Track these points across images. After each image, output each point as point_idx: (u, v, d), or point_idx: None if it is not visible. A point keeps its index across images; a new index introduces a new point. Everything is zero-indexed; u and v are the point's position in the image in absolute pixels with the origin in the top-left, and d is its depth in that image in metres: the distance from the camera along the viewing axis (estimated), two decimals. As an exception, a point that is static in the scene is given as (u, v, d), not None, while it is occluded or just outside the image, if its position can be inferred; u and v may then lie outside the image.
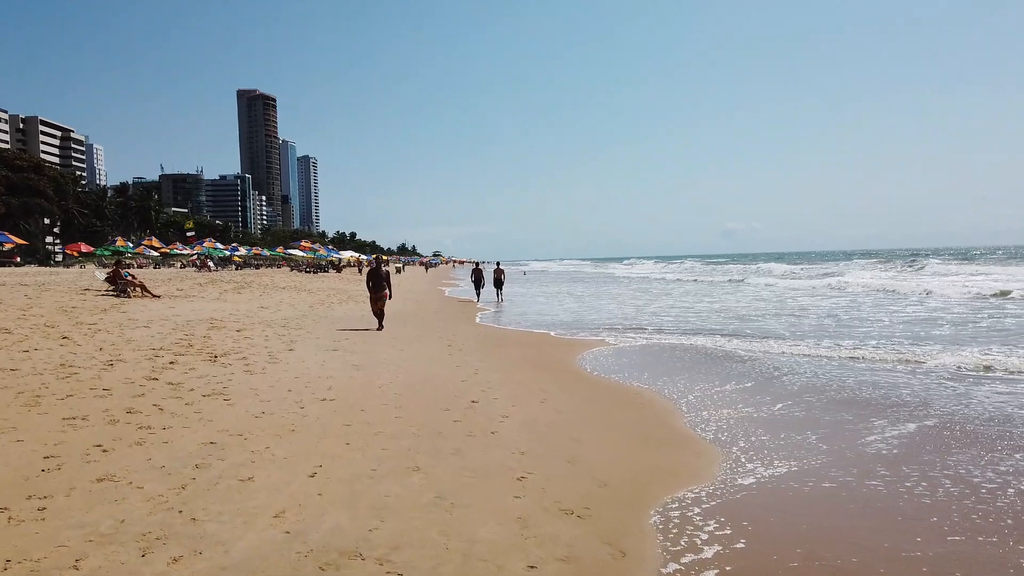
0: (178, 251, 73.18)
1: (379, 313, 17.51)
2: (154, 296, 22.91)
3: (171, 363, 10.50)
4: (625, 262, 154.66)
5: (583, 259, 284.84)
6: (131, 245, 66.20)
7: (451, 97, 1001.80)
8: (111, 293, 22.87)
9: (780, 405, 9.14)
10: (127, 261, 34.27)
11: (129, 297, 22.29)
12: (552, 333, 18.16)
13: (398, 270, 78.56)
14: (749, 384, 10.61)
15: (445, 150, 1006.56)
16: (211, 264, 55.02)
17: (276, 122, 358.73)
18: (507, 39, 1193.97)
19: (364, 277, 17.94)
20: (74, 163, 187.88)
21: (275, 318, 19.06)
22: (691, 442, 7.44)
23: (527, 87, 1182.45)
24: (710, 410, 8.94)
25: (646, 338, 16.75)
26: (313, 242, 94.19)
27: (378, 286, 17.45)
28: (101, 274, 26.35)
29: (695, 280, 53.40)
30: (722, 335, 16.94)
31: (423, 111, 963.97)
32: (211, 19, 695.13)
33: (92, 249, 63.72)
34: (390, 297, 17.72)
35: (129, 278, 23.40)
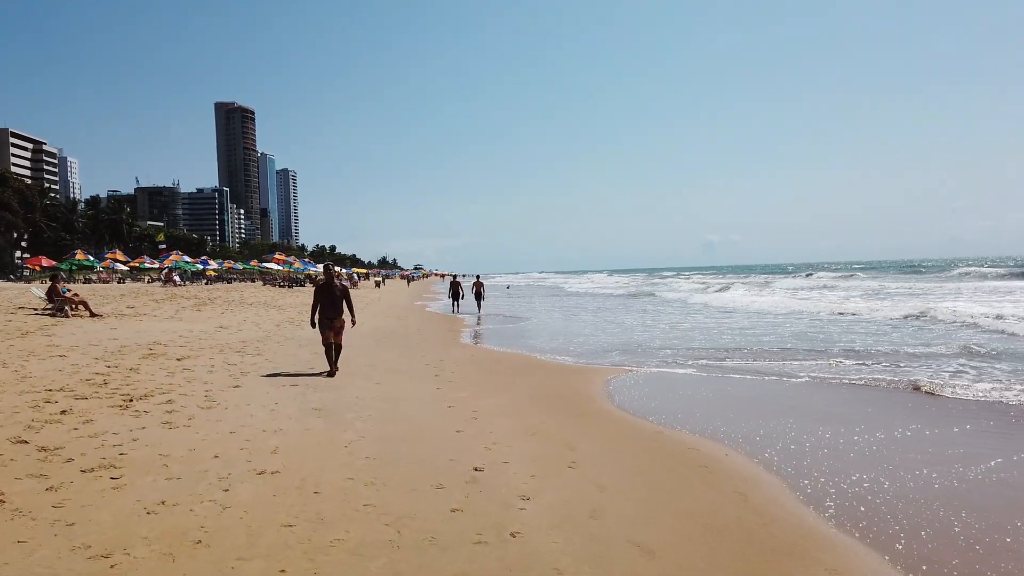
0: (148, 264, 69.77)
1: (334, 350, 11.83)
2: (96, 315, 20.08)
3: (63, 413, 7.77)
4: (586, 275, 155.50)
5: (561, 272, 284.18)
6: (92, 258, 62.72)
7: (431, 110, 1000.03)
8: (47, 312, 20.01)
9: (998, 459, 6.67)
10: (63, 277, 31.28)
11: (67, 316, 19.45)
12: (556, 357, 15.56)
13: (377, 284, 75.58)
14: (882, 435, 8.07)
15: (426, 162, 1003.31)
16: (176, 278, 51.89)
17: (254, 135, 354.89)
18: (486, 50, 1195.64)
19: (312, 297, 12.00)
20: (46, 176, 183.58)
21: (232, 340, 16.33)
22: (820, 547, 4.87)
23: (506, 97, 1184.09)
24: (816, 476, 6.37)
25: (671, 363, 14.22)
26: (288, 255, 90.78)
27: (332, 308, 11.75)
28: (39, 290, 23.49)
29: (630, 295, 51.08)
30: (772, 359, 14.47)
31: (404, 124, 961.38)
32: (189, 32, 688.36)
33: (54, 263, 60.22)
34: (354, 323, 12.42)
35: (68, 294, 20.54)
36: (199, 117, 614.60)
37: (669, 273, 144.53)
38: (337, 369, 11.76)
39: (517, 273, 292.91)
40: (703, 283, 69.28)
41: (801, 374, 12.35)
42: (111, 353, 12.82)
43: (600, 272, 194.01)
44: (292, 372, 11.69)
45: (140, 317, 20.67)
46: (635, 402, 10.21)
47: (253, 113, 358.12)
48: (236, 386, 10.05)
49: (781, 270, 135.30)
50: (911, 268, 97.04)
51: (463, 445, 7.20)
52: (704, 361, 14.36)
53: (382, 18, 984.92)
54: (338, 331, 11.89)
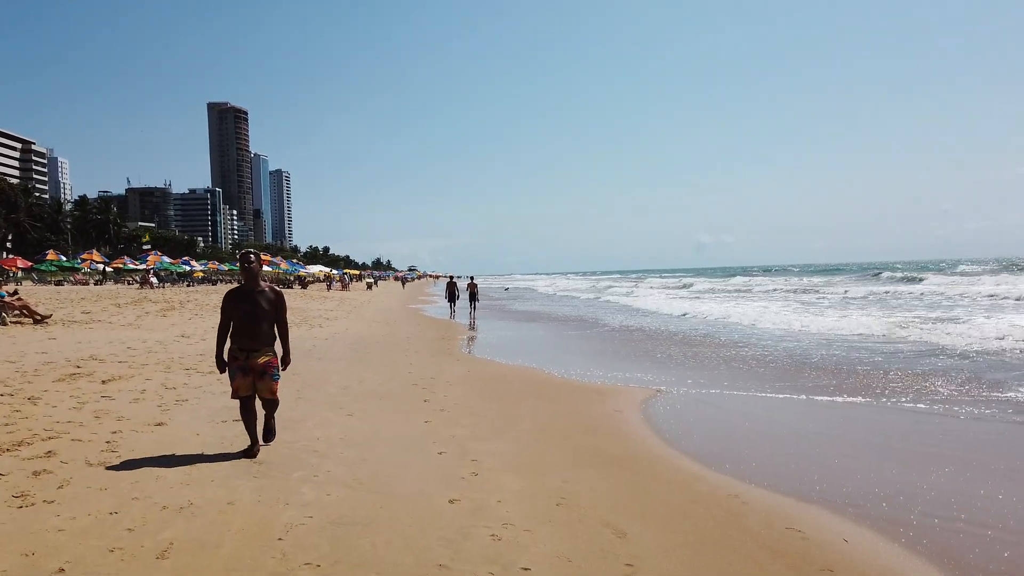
0: (131, 265, 67.14)
1: (250, 411, 6.53)
2: (42, 319, 17.65)
3: None
4: (564, 276, 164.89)
5: (553, 273, 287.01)
6: (64, 259, 60.13)
7: (425, 111, 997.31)
8: (-18, 319, 17.55)
9: None
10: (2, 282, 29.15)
11: (5, 324, 17.00)
12: (570, 374, 13.15)
13: (369, 285, 72.93)
14: None
15: (420, 163, 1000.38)
16: (153, 280, 49.31)
17: (248, 135, 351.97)
18: (480, 48, 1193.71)
19: (221, 312, 6.72)
20: (35, 176, 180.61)
21: (188, 353, 13.91)
22: None
23: (502, 98, 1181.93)
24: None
25: (707, 381, 11.84)
26: (275, 255, 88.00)
27: (251, 332, 6.46)
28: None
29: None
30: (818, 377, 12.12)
31: (398, 125, 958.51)
32: (182, 32, 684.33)
33: (30, 264, 57.59)
34: (287, 362, 6.79)
35: (7, 299, 18.08)
36: (192, 118, 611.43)
37: (634, 275, 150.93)
38: (260, 445, 6.65)
39: (507, 275, 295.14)
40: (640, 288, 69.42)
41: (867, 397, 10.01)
42: (22, 374, 10.39)
43: (577, 274, 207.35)
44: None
45: (92, 324, 18.21)
46: (684, 438, 7.83)
47: (246, 113, 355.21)
48: (160, 424, 7.63)
49: (744, 271, 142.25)
50: (860, 270, 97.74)
51: (458, 531, 4.80)
52: (729, 379, 12.01)
53: (376, 18, 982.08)
54: (261, 373, 6.45)
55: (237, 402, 6.65)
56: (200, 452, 6.53)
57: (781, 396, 10.46)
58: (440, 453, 6.91)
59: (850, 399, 10.05)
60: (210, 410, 8.45)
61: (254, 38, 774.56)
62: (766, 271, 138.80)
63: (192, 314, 23.09)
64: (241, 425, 7.29)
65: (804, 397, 10.32)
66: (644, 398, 10.37)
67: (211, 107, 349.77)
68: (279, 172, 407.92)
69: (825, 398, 10.19)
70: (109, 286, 53.68)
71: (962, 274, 62.91)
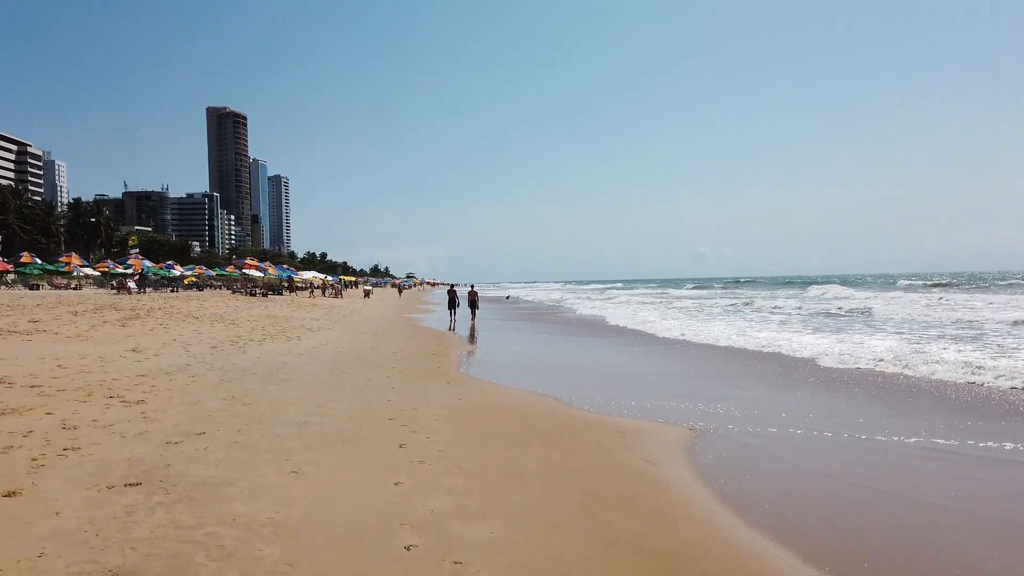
0: (119, 270, 64.82)
1: None
2: (-27, 333, 15.42)
3: None
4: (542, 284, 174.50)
5: (553, 281, 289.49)
6: (40, 261, 57.84)
7: (426, 117, 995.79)
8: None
9: None
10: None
11: (-71, 335, 14.76)
12: (581, 402, 10.91)
13: (367, 293, 70.66)
14: None
15: (419, 170, 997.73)
16: (132, 285, 47.04)
17: (246, 140, 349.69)
18: (482, 56, 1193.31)
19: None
20: (30, 179, 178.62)
21: (127, 373, 11.67)
22: None
23: (503, 106, 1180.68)
24: None
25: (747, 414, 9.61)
26: (261, 260, 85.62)
27: None
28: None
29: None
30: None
31: (398, 132, 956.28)
32: (182, 36, 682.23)
33: (9, 267, 55.24)
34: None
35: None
36: (190, 122, 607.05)
37: (619, 284, 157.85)
38: None
39: (502, 283, 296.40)
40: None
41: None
42: None
43: (567, 283, 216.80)
44: (225, 400, 7.01)
45: (33, 336, 15.95)
46: (748, 510, 5.58)
47: (245, 118, 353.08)
48: (12, 493, 5.36)
49: (716, 282, 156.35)
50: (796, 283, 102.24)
51: None
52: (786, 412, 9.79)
53: (377, 25, 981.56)
54: None
55: (167, 438, 3.28)
56: (40, 552, 4.28)
57: (881, 439, 8.25)
58: (408, 548, 4.68)
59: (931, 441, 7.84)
60: (103, 465, 6.20)
61: (254, 43, 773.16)
62: (734, 283, 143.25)
63: (156, 323, 20.82)
64: (140, 488, 4.92)
65: (856, 435, 8.12)
66: (679, 441, 8.16)
67: (210, 112, 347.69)
68: (278, 178, 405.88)
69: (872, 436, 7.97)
70: (87, 290, 51.40)
71: (901, 289, 68.49)
